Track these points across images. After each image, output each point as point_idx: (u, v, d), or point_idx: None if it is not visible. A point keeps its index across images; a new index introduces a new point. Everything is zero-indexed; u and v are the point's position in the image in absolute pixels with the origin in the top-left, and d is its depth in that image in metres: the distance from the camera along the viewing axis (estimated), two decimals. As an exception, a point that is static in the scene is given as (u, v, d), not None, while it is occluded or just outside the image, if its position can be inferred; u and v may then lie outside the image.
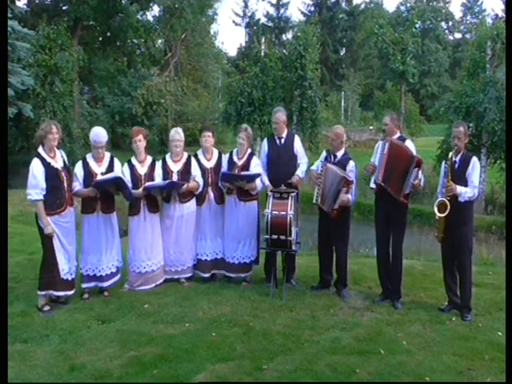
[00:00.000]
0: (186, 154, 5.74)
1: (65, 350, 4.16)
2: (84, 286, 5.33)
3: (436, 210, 4.82)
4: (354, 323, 4.74)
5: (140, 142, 5.45)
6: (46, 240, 4.91)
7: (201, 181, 5.65)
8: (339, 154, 5.48)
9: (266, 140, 5.99)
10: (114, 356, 4.05)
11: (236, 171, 5.66)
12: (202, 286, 5.69)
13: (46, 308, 4.95)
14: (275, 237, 5.27)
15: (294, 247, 5.39)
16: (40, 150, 4.93)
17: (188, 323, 4.68)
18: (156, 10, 28.98)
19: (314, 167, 5.60)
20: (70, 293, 5.15)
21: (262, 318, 4.81)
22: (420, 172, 4.99)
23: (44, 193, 4.80)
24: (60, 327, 4.57)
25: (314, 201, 5.37)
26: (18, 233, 8.73)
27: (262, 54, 21.48)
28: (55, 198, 4.87)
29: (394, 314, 4.97)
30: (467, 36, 52.11)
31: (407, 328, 4.64)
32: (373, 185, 5.18)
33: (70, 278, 5.08)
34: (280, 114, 5.78)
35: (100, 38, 28.34)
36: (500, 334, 4.48)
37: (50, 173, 4.85)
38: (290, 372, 3.83)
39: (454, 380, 3.77)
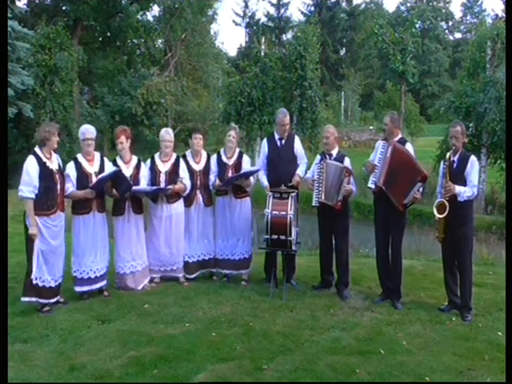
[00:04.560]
0: (174, 155, 5.71)
1: (65, 350, 4.16)
2: (77, 289, 5.25)
3: (435, 211, 4.82)
4: (353, 323, 4.73)
5: (122, 143, 5.38)
6: (29, 241, 4.80)
7: (188, 183, 5.63)
8: (334, 152, 5.50)
9: (265, 140, 5.98)
10: (114, 356, 4.04)
11: (230, 171, 5.68)
12: (202, 286, 5.69)
13: (46, 308, 4.93)
14: (275, 237, 5.27)
15: (294, 247, 5.39)
16: (36, 149, 4.88)
17: (188, 323, 4.67)
18: (156, 10, 29.03)
19: (309, 175, 5.61)
20: (43, 301, 4.88)
21: (262, 318, 4.80)
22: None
23: (36, 192, 4.73)
24: (60, 327, 4.56)
25: (315, 202, 5.36)
26: (18, 233, 8.68)
27: (262, 54, 21.51)
28: (47, 198, 4.80)
29: (394, 313, 4.97)
30: (467, 36, 52.10)
31: (407, 328, 4.64)
32: (371, 184, 5.16)
33: (40, 285, 4.83)
34: (288, 117, 5.78)
35: (100, 38, 28.33)
36: (500, 334, 4.47)
37: (44, 172, 4.80)
38: (290, 372, 3.83)
39: (453, 380, 3.77)
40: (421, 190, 4.99)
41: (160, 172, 5.59)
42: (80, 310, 5.00)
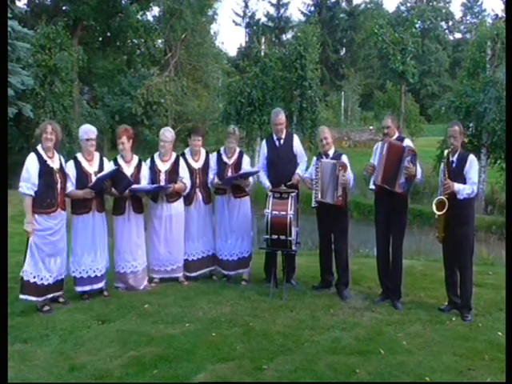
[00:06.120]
0: (174, 154, 5.72)
1: (65, 350, 4.16)
2: (78, 289, 5.25)
3: (434, 208, 4.81)
4: (353, 323, 4.73)
5: (123, 143, 5.40)
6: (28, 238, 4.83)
7: (188, 182, 5.64)
8: (331, 152, 5.51)
9: (264, 141, 5.99)
10: (114, 356, 4.04)
11: (229, 170, 5.68)
12: (201, 286, 5.69)
13: (46, 308, 4.94)
14: (275, 237, 5.27)
15: (293, 247, 5.39)
16: (39, 147, 4.92)
17: (188, 323, 4.67)
18: (156, 10, 29.04)
19: (307, 175, 5.62)
20: (33, 298, 4.87)
21: (262, 318, 4.80)
22: (418, 164, 4.97)
23: (35, 189, 4.75)
24: (60, 327, 4.56)
25: (314, 203, 5.36)
26: (18, 233, 8.68)
27: (262, 54, 21.51)
28: (46, 196, 4.81)
29: (394, 313, 4.97)
30: (467, 36, 52.11)
31: (407, 328, 4.64)
32: (372, 186, 5.18)
33: (32, 282, 4.84)
34: (283, 116, 5.78)
35: (100, 38, 28.34)
36: (500, 333, 4.47)
37: (45, 170, 4.81)
38: (290, 372, 3.83)
39: (453, 380, 3.76)
40: (417, 167, 4.94)
41: (160, 171, 5.59)
42: (80, 309, 5.00)
